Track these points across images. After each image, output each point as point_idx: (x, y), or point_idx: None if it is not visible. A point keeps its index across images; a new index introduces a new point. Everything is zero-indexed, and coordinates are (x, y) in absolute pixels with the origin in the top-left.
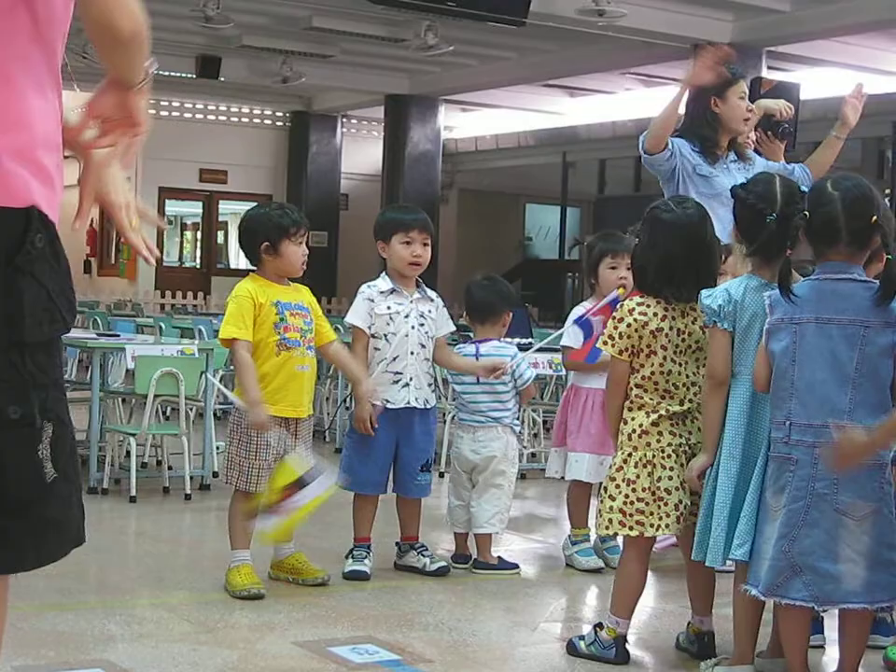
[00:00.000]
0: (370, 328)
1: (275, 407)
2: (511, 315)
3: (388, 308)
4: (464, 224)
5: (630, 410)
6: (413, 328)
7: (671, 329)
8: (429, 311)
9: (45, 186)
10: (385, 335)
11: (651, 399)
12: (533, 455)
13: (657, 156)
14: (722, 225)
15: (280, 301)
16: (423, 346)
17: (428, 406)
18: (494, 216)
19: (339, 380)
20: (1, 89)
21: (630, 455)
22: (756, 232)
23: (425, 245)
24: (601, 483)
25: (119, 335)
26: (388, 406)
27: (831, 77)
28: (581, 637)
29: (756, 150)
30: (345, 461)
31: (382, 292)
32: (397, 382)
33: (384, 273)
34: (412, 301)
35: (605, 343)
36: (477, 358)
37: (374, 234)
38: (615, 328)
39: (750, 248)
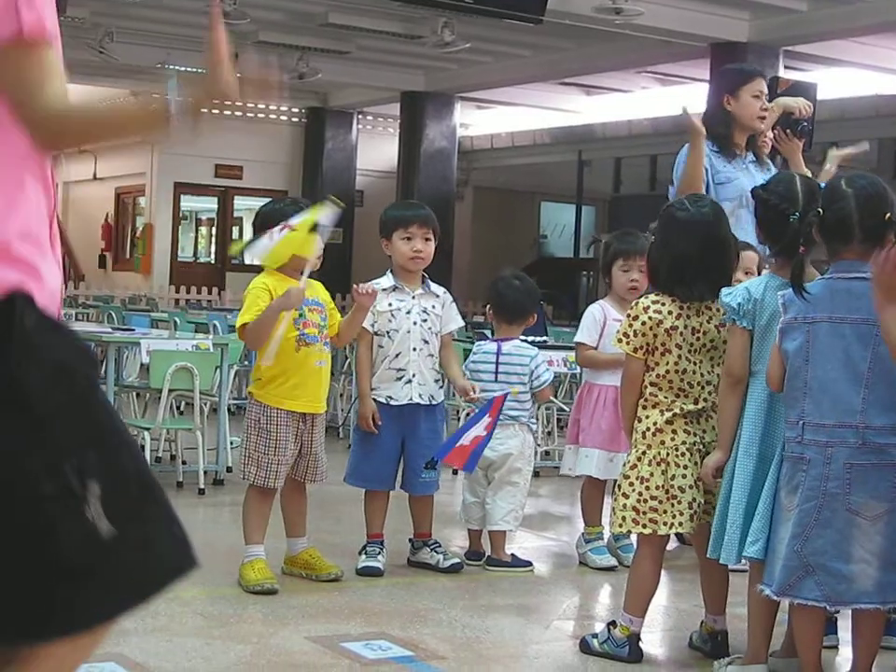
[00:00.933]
0: (373, 325)
1: (295, 402)
2: (536, 314)
3: (390, 305)
4: (479, 221)
5: (644, 408)
6: (414, 324)
7: (685, 327)
8: (433, 306)
9: (26, 276)
10: (388, 332)
11: (665, 397)
12: (547, 452)
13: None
14: (740, 226)
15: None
16: (426, 342)
17: (434, 402)
18: (509, 213)
19: (352, 376)
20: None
21: (644, 453)
22: (779, 233)
23: (426, 239)
24: (615, 481)
25: (134, 330)
26: (392, 403)
27: (847, 77)
28: (595, 635)
29: (774, 148)
30: (352, 458)
31: (384, 289)
32: (400, 378)
33: (389, 270)
34: (413, 298)
35: (620, 340)
36: (498, 357)
37: (379, 233)
38: (630, 325)
39: (774, 249)
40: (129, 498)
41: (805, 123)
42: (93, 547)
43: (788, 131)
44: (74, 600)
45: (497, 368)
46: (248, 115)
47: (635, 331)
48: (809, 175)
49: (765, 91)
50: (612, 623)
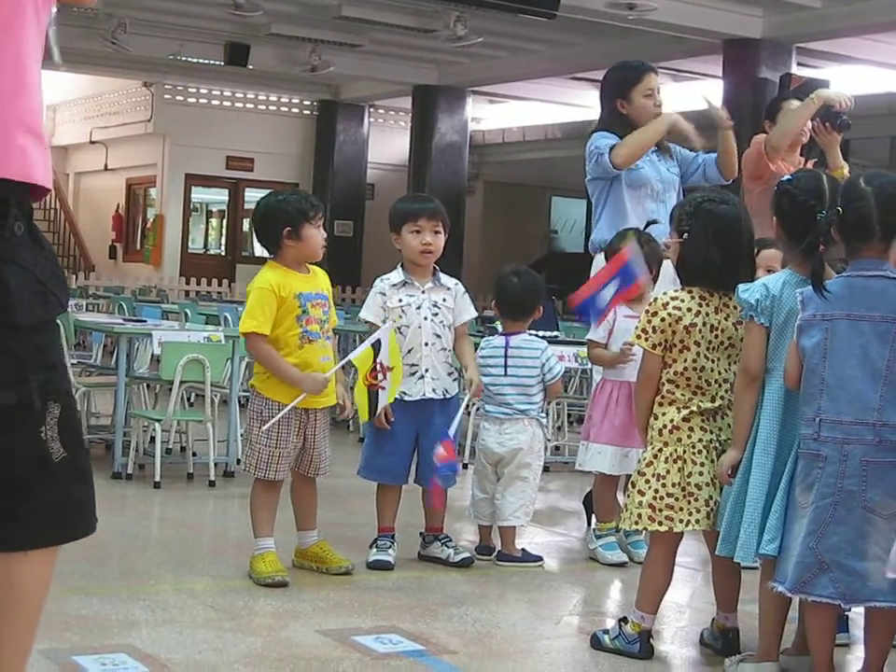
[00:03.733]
0: (384, 322)
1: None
2: (542, 308)
3: (400, 301)
4: (489, 216)
5: (661, 405)
6: (425, 318)
7: (704, 324)
8: (444, 299)
9: (42, 150)
10: (399, 328)
11: (682, 394)
12: (557, 447)
13: (618, 171)
14: (646, 215)
15: (302, 292)
16: (438, 336)
17: (448, 396)
18: (519, 208)
19: None
20: (15, 62)
21: (661, 450)
22: (805, 230)
23: (436, 232)
24: (628, 477)
25: (145, 321)
26: (405, 398)
27: (860, 74)
28: (606, 631)
29: (812, 140)
30: (366, 451)
31: (394, 285)
32: (413, 374)
33: (399, 264)
34: (423, 292)
35: (638, 336)
36: (507, 351)
37: (389, 227)
38: (649, 321)
39: (801, 245)
40: (76, 432)
41: (845, 117)
42: (41, 466)
43: (827, 123)
44: (16, 514)
45: (506, 362)
46: (260, 107)
47: (654, 327)
48: (846, 168)
49: (657, 84)
50: (624, 620)
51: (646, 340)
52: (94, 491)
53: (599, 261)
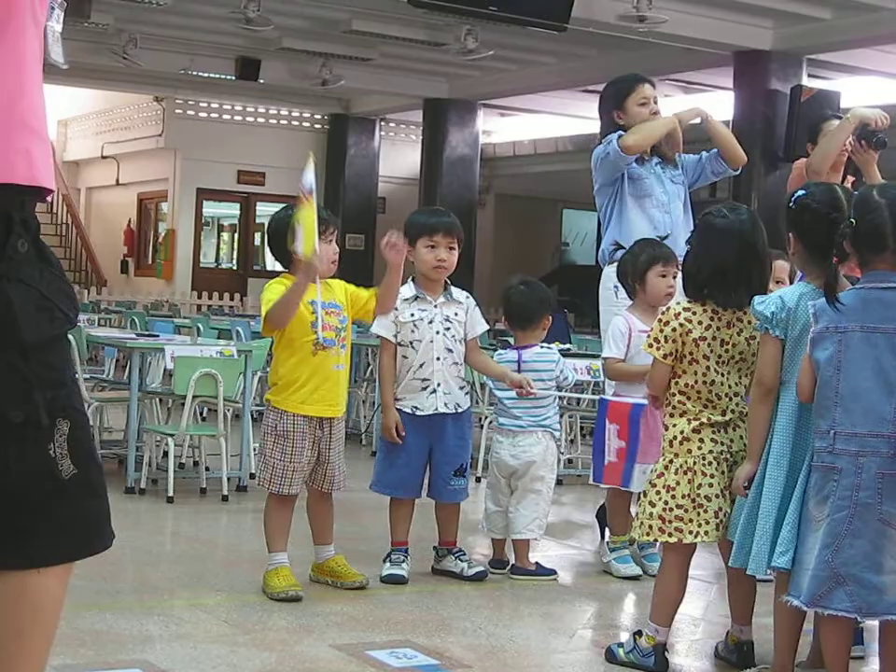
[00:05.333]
0: (395, 336)
1: (312, 407)
2: (550, 319)
3: (412, 315)
4: (501, 229)
5: (672, 416)
6: (437, 333)
7: (714, 338)
8: (455, 314)
9: (46, 151)
10: (411, 342)
11: (692, 406)
12: (570, 460)
13: (629, 158)
14: (653, 225)
15: (314, 300)
16: (450, 351)
17: (460, 410)
18: (531, 221)
19: (375, 383)
20: (12, 62)
21: (671, 461)
22: (827, 242)
23: (450, 248)
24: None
25: (158, 335)
26: (418, 413)
27: (871, 85)
28: (620, 645)
29: (849, 159)
30: (378, 465)
31: (405, 299)
32: (425, 388)
33: (411, 277)
34: (436, 306)
35: (650, 346)
36: (520, 365)
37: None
38: (661, 330)
39: (814, 257)
40: (88, 448)
41: (881, 135)
42: (51, 485)
43: (863, 141)
44: (29, 531)
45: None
46: (271, 121)
47: (665, 337)
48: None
49: (651, 94)
50: (638, 633)
51: (657, 349)
52: (109, 506)
53: (609, 273)
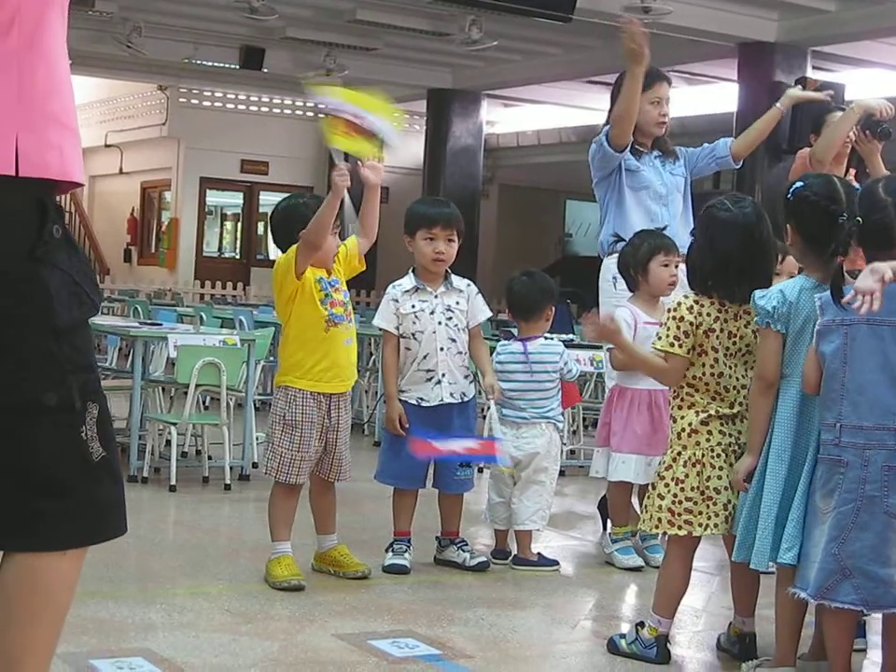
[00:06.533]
0: (397, 328)
1: (327, 385)
2: (553, 309)
3: (413, 307)
4: (504, 219)
5: (680, 408)
6: (440, 323)
7: (722, 331)
8: (457, 302)
9: (77, 146)
10: (413, 334)
11: (701, 398)
12: (573, 451)
13: (622, 151)
14: (650, 217)
15: (321, 277)
16: (453, 340)
17: (466, 399)
18: (534, 211)
19: (378, 373)
20: (47, 63)
21: (679, 454)
22: (827, 234)
23: (449, 241)
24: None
25: (161, 324)
26: (423, 404)
27: (875, 77)
28: (622, 636)
29: (853, 149)
30: (382, 455)
31: (406, 291)
32: (430, 379)
33: (411, 269)
34: (436, 297)
35: (672, 345)
36: (526, 357)
37: (403, 229)
38: (678, 327)
39: (822, 250)
40: (111, 432)
41: (886, 125)
42: (80, 466)
43: (867, 131)
44: (53, 513)
45: (530, 367)
46: (275, 110)
47: (685, 332)
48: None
49: (665, 94)
50: (640, 624)
51: (680, 346)
52: (125, 494)
53: (608, 264)
